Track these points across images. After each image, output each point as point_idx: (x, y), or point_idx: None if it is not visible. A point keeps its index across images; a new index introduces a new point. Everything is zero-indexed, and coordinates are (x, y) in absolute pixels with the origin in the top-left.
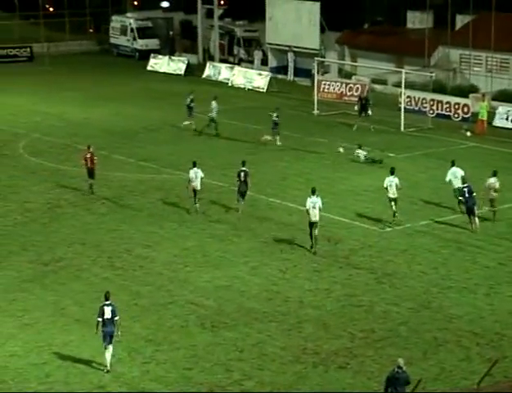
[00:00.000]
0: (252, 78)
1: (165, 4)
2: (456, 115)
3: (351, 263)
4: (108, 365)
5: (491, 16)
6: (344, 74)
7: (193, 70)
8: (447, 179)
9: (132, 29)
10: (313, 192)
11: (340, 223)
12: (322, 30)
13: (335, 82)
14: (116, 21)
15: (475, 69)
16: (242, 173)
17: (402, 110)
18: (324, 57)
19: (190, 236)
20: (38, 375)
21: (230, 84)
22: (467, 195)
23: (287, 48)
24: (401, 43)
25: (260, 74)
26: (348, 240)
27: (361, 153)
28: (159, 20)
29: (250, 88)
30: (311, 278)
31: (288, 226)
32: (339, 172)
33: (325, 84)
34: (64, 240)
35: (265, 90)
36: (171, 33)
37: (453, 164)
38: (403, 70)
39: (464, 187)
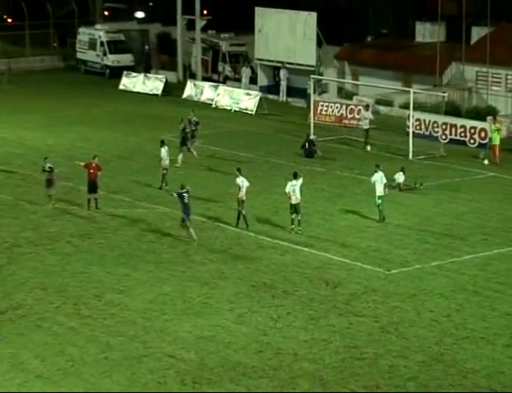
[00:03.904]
0: (239, 98)
1: (140, 15)
2: (472, 141)
3: (352, 309)
4: None
5: (511, 28)
6: (345, 94)
7: (172, 90)
8: (372, 181)
9: (102, 43)
10: (295, 176)
11: (340, 263)
12: (319, 44)
13: (334, 103)
14: (84, 34)
15: (493, 88)
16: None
17: (411, 135)
18: (321, 75)
19: (168, 279)
20: None
21: (214, 106)
22: (186, 200)
23: (279, 65)
24: (410, 59)
25: (248, 94)
26: (348, 283)
27: (401, 178)
28: (133, 33)
29: (237, 109)
30: (306, 327)
31: (280, 267)
32: (339, 205)
33: (322, 106)
34: (23, 284)
35: (254, 112)
36: (146, 47)
37: (378, 167)
38: (411, 90)
39: (185, 192)
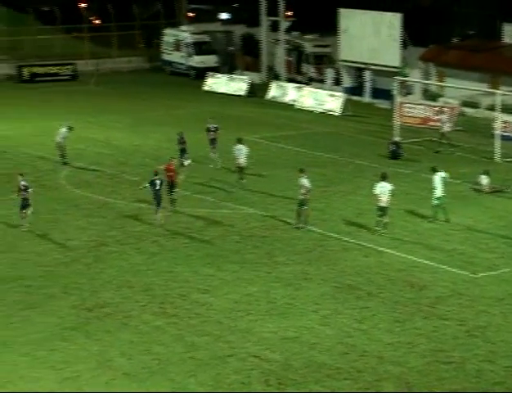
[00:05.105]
0: (323, 99)
1: (225, 16)
2: None
3: (437, 313)
4: None
5: None
6: (430, 95)
7: (256, 91)
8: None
9: (187, 45)
10: (384, 178)
11: (425, 266)
12: (404, 45)
13: (419, 104)
14: (169, 35)
15: None
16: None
17: (497, 137)
18: (406, 76)
19: (253, 279)
20: None
21: (298, 107)
22: (157, 188)
23: (363, 66)
24: (497, 60)
25: (332, 96)
26: (434, 286)
27: (485, 180)
28: (218, 34)
29: (321, 111)
30: (391, 330)
31: (364, 269)
32: (424, 208)
33: (407, 107)
34: (110, 282)
35: (338, 113)
36: (231, 48)
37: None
38: (498, 92)
39: (155, 180)
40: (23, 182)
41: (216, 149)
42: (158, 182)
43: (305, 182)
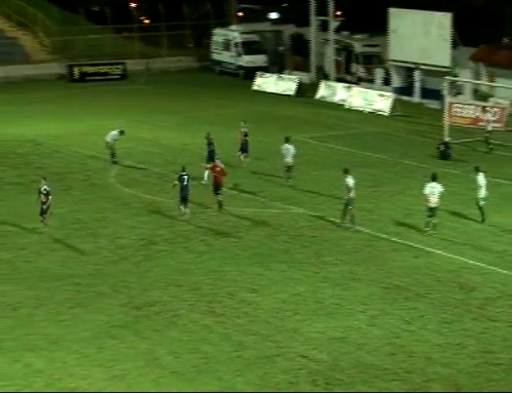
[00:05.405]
0: (372, 99)
1: (274, 16)
2: None
3: (487, 314)
4: None
5: None
6: (480, 95)
7: (305, 91)
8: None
9: (236, 44)
10: (434, 178)
11: (474, 267)
12: (454, 45)
13: (470, 105)
14: (219, 35)
15: None
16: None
17: None
18: (456, 76)
19: (301, 279)
20: None
21: (347, 106)
22: (185, 183)
23: (413, 66)
24: None
25: (382, 95)
26: (483, 287)
27: None
28: (267, 34)
29: (370, 110)
30: (440, 331)
31: (413, 269)
32: (474, 208)
33: (457, 107)
34: (158, 281)
35: (388, 113)
36: (280, 48)
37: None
38: None
39: (183, 175)
40: (44, 187)
41: (247, 154)
42: (186, 177)
43: (349, 182)
